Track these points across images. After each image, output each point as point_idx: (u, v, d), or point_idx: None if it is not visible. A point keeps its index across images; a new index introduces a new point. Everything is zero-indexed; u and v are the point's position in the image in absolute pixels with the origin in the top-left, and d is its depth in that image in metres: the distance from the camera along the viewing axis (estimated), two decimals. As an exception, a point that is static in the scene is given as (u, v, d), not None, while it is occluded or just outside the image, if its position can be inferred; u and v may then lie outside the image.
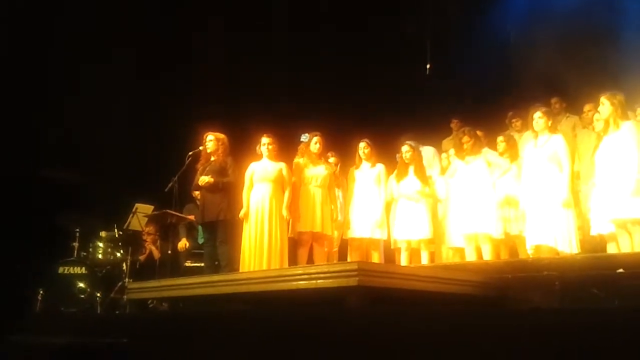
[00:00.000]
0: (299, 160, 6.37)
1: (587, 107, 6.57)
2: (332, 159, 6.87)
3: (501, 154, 6.22)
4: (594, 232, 5.35)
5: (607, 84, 5.57)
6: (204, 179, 6.20)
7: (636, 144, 4.93)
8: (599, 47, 7.21)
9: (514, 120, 7.27)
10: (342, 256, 6.85)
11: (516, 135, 6.81)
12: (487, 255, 5.82)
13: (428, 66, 9.68)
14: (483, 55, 8.48)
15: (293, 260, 6.15)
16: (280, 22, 9.60)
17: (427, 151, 7.56)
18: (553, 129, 5.54)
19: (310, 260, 6.18)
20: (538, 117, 5.51)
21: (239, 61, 9.37)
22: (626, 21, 7.14)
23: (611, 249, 5.15)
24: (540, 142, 5.48)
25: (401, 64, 9.33)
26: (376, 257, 6.49)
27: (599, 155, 5.19)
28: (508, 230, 5.93)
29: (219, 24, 9.35)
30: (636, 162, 4.88)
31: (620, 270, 4.09)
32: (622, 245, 4.96)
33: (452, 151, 6.78)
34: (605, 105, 5.12)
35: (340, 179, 6.98)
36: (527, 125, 6.28)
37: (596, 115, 5.61)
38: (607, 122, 5.16)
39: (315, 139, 6.36)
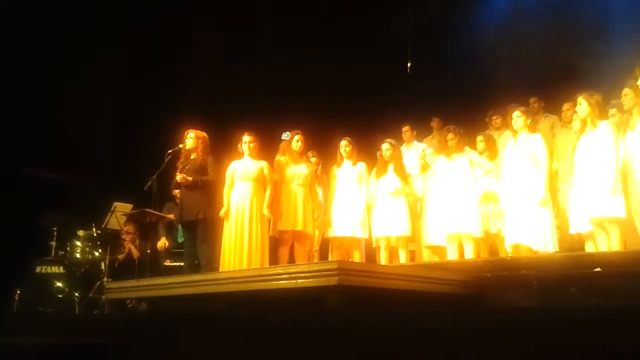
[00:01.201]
0: (280, 158, 6.34)
1: (565, 106, 6.62)
2: (313, 159, 6.85)
3: (481, 153, 6.24)
4: (572, 230, 5.41)
5: (585, 84, 5.63)
6: (180, 176, 6.15)
7: (613, 143, 5.00)
8: (579, 46, 7.28)
9: (494, 117, 7.30)
10: (323, 255, 6.84)
11: (495, 134, 6.83)
12: (470, 254, 5.84)
13: (409, 65, 9.71)
14: (463, 55, 8.54)
15: (274, 260, 6.13)
16: (263, 21, 9.58)
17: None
18: (532, 128, 5.58)
19: (291, 260, 6.16)
20: (517, 117, 5.55)
21: (221, 60, 9.33)
22: (606, 21, 7.20)
23: (589, 248, 5.21)
24: (519, 141, 5.52)
25: (382, 63, 9.34)
26: (357, 256, 6.48)
27: (577, 154, 5.24)
28: (486, 228, 5.95)
29: (202, 22, 9.29)
30: (613, 161, 4.94)
31: (598, 269, 4.12)
32: (599, 244, 5.01)
33: (429, 150, 6.77)
34: (583, 105, 5.17)
35: (321, 177, 6.97)
36: (506, 123, 6.32)
37: (574, 115, 5.67)
38: (584, 122, 5.21)
39: (296, 137, 6.33)
